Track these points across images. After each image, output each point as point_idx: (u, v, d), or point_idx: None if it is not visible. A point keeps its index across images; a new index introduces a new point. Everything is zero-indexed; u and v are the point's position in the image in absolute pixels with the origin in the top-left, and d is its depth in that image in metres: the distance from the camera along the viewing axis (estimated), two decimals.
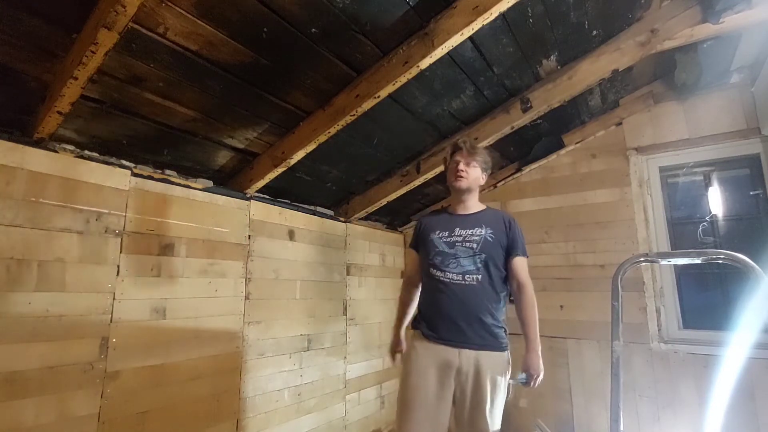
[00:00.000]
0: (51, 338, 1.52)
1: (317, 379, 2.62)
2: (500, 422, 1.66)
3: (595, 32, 1.99)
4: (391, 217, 3.45)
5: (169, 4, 1.28)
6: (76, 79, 1.29)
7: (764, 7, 1.73)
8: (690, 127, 2.60)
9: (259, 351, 2.28)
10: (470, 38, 1.67)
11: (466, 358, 1.65)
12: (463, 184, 1.78)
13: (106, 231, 1.71)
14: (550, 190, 3.03)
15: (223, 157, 2.10)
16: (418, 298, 1.91)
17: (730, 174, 2.59)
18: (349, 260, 3.02)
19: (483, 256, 1.72)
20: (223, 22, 1.39)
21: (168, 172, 1.99)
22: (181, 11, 1.31)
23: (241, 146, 2.06)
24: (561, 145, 2.96)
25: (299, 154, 2.02)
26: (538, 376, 1.66)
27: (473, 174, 1.80)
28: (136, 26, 1.30)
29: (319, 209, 2.88)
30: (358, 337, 3.00)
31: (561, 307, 2.85)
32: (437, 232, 1.80)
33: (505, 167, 3.18)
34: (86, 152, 1.71)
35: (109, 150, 1.77)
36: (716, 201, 2.58)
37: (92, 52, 1.20)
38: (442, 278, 1.73)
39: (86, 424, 1.58)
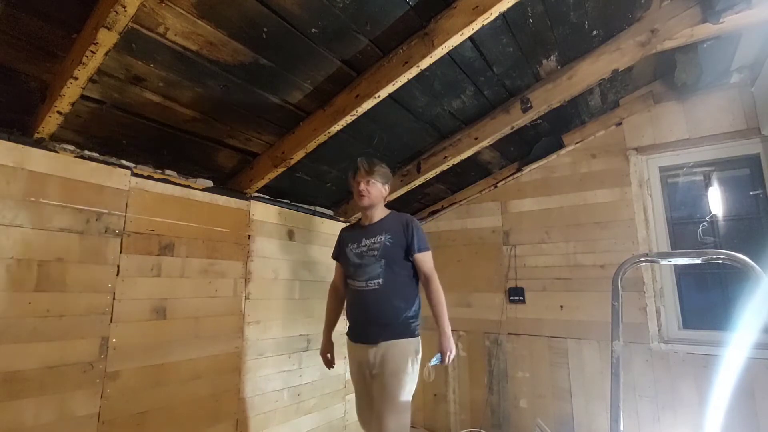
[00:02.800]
0: (51, 338, 1.52)
1: (317, 379, 2.63)
2: (408, 413, 1.87)
3: (595, 32, 1.99)
4: None
5: (169, 4, 1.28)
6: (76, 79, 1.29)
7: (764, 7, 1.73)
8: (690, 127, 2.60)
9: (259, 351, 2.28)
10: (470, 38, 1.67)
11: (373, 354, 1.89)
12: (365, 202, 2.00)
13: (106, 231, 1.71)
14: (550, 190, 3.03)
15: (223, 157, 2.10)
16: (343, 304, 2.15)
17: (730, 174, 2.59)
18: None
19: (383, 261, 1.93)
20: (223, 22, 1.39)
21: (168, 172, 1.99)
22: (181, 11, 1.31)
23: (241, 146, 2.06)
24: (561, 145, 2.96)
25: (299, 154, 2.02)
26: (450, 353, 1.89)
27: (374, 191, 2.00)
28: (136, 26, 1.30)
29: (319, 209, 2.88)
30: None
31: (561, 307, 2.85)
32: (350, 245, 2.04)
33: (505, 167, 3.18)
34: (86, 152, 1.71)
35: (109, 150, 1.77)
36: (716, 201, 2.58)
37: (92, 52, 1.20)
38: (354, 287, 2.00)
39: (86, 424, 1.58)
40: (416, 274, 2.00)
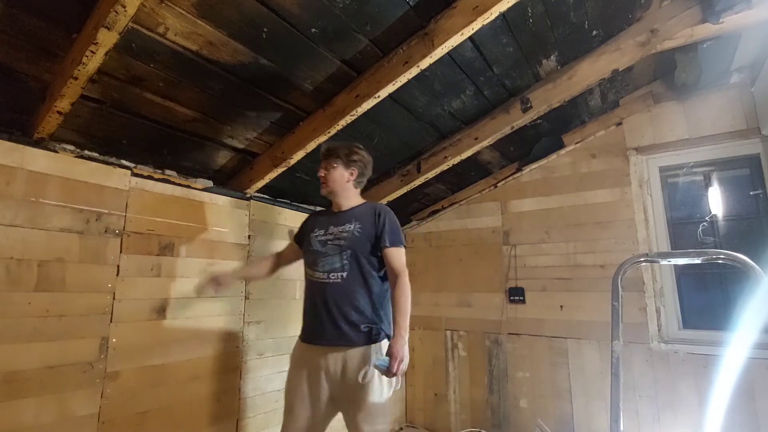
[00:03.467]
0: (51, 338, 1.52)
1: None
2: (386, 419, 1.63)
3: (595, 32, 1.99)
4: None
5: (169, 4, 1.28)
6: (76, 79, 1.29)
7: (764, 7, 1.73)
8: (690, 127, 2.60)
9: (259, 351, 2.28)
10: (470, 38, 1.67)
11: (333, 359, 1.64)
12: (324, 190, 1.82)
13: (106, 231, 1.71)
14: (550, 190, 3.03)
15: (223, 157, 2.09)
16: (267, 269, 2.00)
17: (730, 174, 2.59)
18: None
19: (349, 252, 1.71)
20: (223, 22, 1.39)
21: (168, 172, 1.99)
22: (181, 11, 1.31)
23: (241, 146, 2.05)
24: (561, 145, 2.96)
25: (299, 154, 2.02)
26: (400, 361, 1.53)
27: (333, 175, 1.79)
28: (136, 26, 1.30)
29: (319, 209, 2.87)
30: None
31: (561, 307, 2.85)
32: (315, 231, 1.81)
33: (505, 167, 3.17)
34: (86, 152, 1.71)
35: (109, 150, 1.77)
36: (716, 201, 2.58)
37: (92, 52, 1.20)
38: (312, 277, 1.76)
39: (86, 424, 1.58)
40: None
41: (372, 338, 1.66)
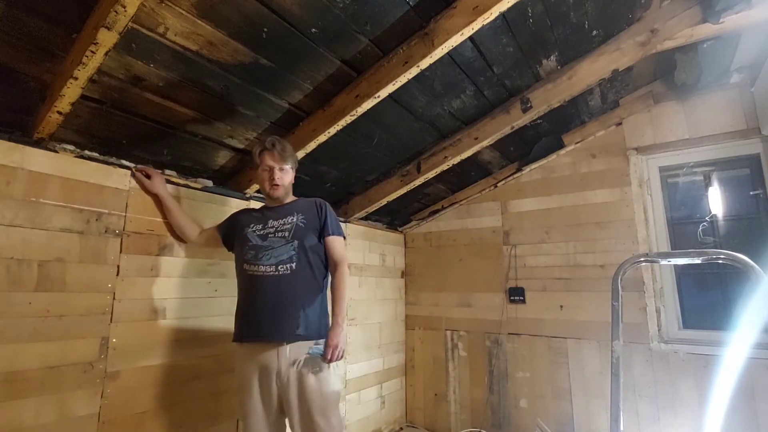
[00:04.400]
0: (51, 338, 1.52)
1: None
2: (339, 417, 1.61)
3: (595, 32, 1.99)
4: (391, 217, 3.45)
5: (169, 4, 1.28)
6: (76, 79, 1.28)
7: (764, 7, 1.73)
8: (690, 127, 2.60)
9: None
10: (470, 38, 1.67)
11: (284, 357, 1.58)
12: (279, 192, 1.78)
13: (106, 231, 1.71)
14: (550, 190, 3.03)
15: (223, 157, 2.10)
16: (194, 232, 1.90)
17: (730, 174, 2.59)
18: (350, 260, 3.02)
19: (296, 242, 1.69)
20: (223, 22, 1.39)
21: (168, 172, 1.99)
22: (181, 11, 1.31)
23: (241, 146, 2.05)
24: (561, 145, 2.96)
25: (299, 154, 2.02)
26: (335, 347, 1.59)
27: (287, 179, 1.80)
28: (136, 26, 1.30)
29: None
30: (358, 337, 3.00)
31: (561, 307, 2.85)
32: (251, 226, 1.76)
33: (505, 167, 3.18)
34: (86, 152, 1.71)
35: (109, 150, 1.77)
36: (716, 201, 2.58)
37: (92, 52, 1.20)
38: (255, 272, 1.67)
39: (86, 424, 1.58)
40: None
41: (325, 330, 1.66)
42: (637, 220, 2.67)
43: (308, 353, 1.59)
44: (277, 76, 1.68)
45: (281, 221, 1.75)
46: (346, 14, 1.48)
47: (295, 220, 1.74)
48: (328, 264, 1.77)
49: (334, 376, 1.63)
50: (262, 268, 1.66)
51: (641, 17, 1.97)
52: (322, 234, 1.76)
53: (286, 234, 1.71)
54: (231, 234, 1.84)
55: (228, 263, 2.16)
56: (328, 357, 1.58)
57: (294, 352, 1.59)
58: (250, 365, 1.63)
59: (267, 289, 1.64)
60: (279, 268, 1.66)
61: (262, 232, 1.73)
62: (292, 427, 1.59)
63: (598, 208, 2.82)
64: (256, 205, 2.35)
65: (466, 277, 3.30)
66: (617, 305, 1.51)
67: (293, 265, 1.66)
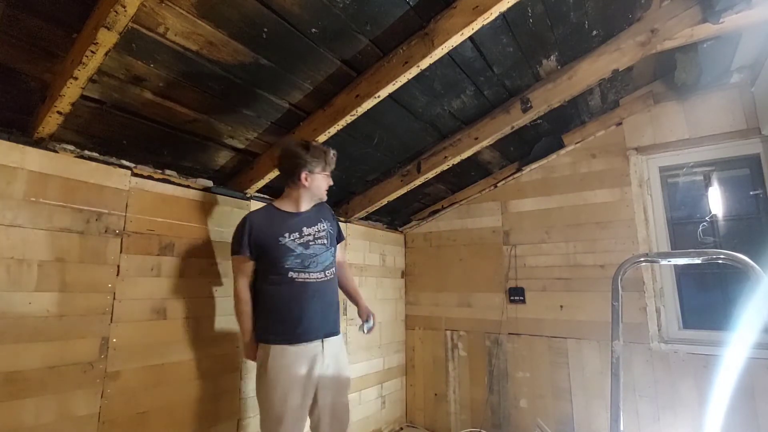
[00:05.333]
0: (51, 338, 1.52)
1: None
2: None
3: (595, 32, 1.99)
4: (391, 217, 3.45)
5: (169, 4, 1.28)
6: (76, 79, 1.29)
7: (764, 7, 1.73)
8: (690, 127, 2.60)
9: None
10: (470, 38, 1.67)
11: (329, 349, 1.79)
12: (325, 196, 1.93)
13: (106, 231, 1.71)
14: (550, 190, 3.03)
15: (223, 157, 2.09)
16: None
17: (730, 174, 2.59)
18: (349, 260, 3.02)
19: (332, 249, 1.90)
20: (223, 22, 1.39)
21: (168, 172, 1.99)
22: (181, 11, 1.31)
23: (241, 146, 2.05)
24: (561, 145, 2.96)
25: None
26: (374, 316, 1.99)
27: None
28: (136, 26, 1.30)
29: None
30: (358, 337, 3.00)
31: (561, 307, 2.85)
32: (287, 236, 1.77)
33: (505, 167, 3.18)
34: (86, 152, 1.71)
35: (109, 150, 1.77)
36: (716, 201, 2.58)
37: (92, 52, 1.20)
38: (306, 279, 1.76)
39: (86, 424, 1.58)
40: None
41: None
42: (637, 220, 2.67)
43: (364, 330, 1.96)
44: (278, 76, 1.68)
45: (314, 228, 1.85)
46: (346, 14, 1.48)
47: (326, 227, 1.89)
48: (337, 263, 1.98)
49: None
50: (314, 275, 1.79)
51: (641, 17, 1.97)
52: (338, 239, 1.99)
53: (325, 241, 1.86)
54: (253, 247, 1.78)
55: (229, 263, 2.16)
56: (373, 324, 1.98)
57: (335, 343, 1.84)
58: (302, 362, 1.72)
59: (319, 293, 1.79)
60: (326, 273, 1.83)
61: (301, 240, 1.80)
62: (322, 407, 1.76)
63: (598, 208, 2.82)
64: (256, 204, 2.35)
65: (466, 277, 3.30)
66: (617, 305, 1.51)
67: (333, 269, 1.89)
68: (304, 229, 1.82)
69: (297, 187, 1.84)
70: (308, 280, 1.77)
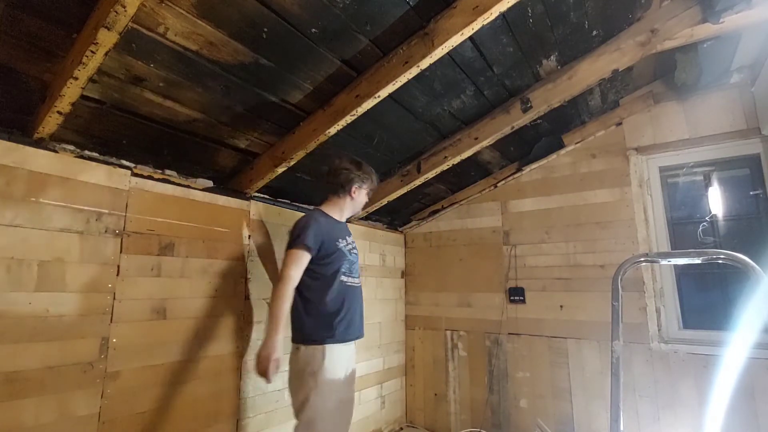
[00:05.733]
0: (51, 338, 1.52)
1: None
2: None
3: (595, 32, 1.99)
4: (391, 217, 3.45)
5: (169, 4, 1.28)
6: (76, 79, 1.29)
7: (764, 7, 1.73)
8: (690, 127, 2.60)
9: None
10: (470, 38, 1.67)
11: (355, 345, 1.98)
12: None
13: (106, 231, 1.71)
14: (550, 190, 3.03)
15: (223, 157, 2.09)
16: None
17: (730, 174, 2.59)
18: None
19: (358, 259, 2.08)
20: (223, 22, 1.39)
21: (168, 172, 1.99)
22: (181, 11, 1.31)
23: (241, 146, 2.05)
24: (561, 145, 2.96)
25: (299, 154, 2.02)
26: None
27: None
28: (136, 26, 1.30)
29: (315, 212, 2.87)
30: None
31: (561, 307, 2.85)
32: (340, 241, 1.95)
33: (505, 167, 3.18)
34: (86, 152, 1.71)
35: (109, 150, 1.77)
36: (716, 201, 2.58)
37: (92, 52, 1.20)
38: (353, 284, 1.96)
39: (86, 424, 1.58)
40: None
41: None
42: (637, 220, 2.67)
43: None
44: (278, 76, 1.68)
45: (350, 239, 2.05)
46: (346, 14, 1.48)
47: (352, 239, 2.07)
48: None
49: None
50: (356, 281, 2.00)
51: (641, 17, 1.97)
52: None
53: (356, 252, 2.05)
54: (322, 245, 1.86)
55: (228, 263, 2.16)
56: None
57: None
58: (352, 358, 1.93)
59: (358, 297, 1.99)
60: (360, 279, 2.03)
61: (348, 248, 1.98)
62: None
63: (598, 208, 2.82)
64: (256, 204, 2.35)
65: (466, 277, 3.30)
66: (617, 305, 1.51)
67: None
68: (347, 237, 2.02)
69: (344, 198, 2.03)
70: (354, 285, 1.96)
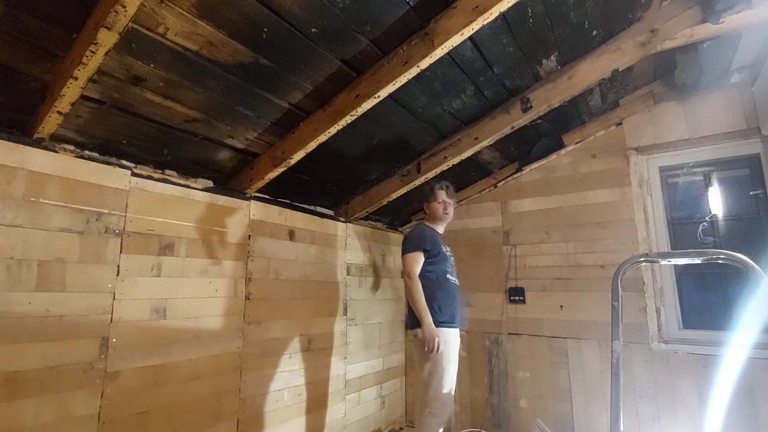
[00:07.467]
0: (51, 338, 1.52)
1: (317, 379, 2.62)
2: None
3: (595, 32, 1.99)
4: (391, 217, 3.45)
5: (169, 4, 1.28)
6: (76, 79, 1.28)
7: (764, 7, 1.73)
8: (690, 127, 2.60)
9: (260, 351, 2.28)
10: (470, 38, 1.67)
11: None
12: (449, 219, 2.54)
13: (106, 231, 1.71)
14: (550, 190, 3.03)
15: (223, 157, 2.10)
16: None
17: (730, 174, 2.59)
18: (349, 260, 3.02)
19: None
20: (223, 22, 1.39)
21: (168, 172, 1.99)
22: (181, 11, 1.31)
23: (241, 146, 2.05)
24: (561, 145, 2.96)
25: (299, 154, 2.02)
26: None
27: (452, 213, 2.54)
28: (136, 26, 1.30)
29: (319, 209, 2.88)
30: (358, 337, 3.00)
31: (561, 307, 2.85)
32: (444, 248, 2.47)
33: (505, 167, 3.17)
34: (86, 152, 1.71)
35: (109, 150, 1.77)
36: (716, 201, 2.58)
37: (92, 52, 1.20)
38: (455, 283, 2.46)
39: (86, 424, 1.58)
40: None
41: None
42: (637, 220, 2.67)
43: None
44: (278, 76, 1.68)
45: (449, 247, 2.55)
46: (346, 14, 1.48)
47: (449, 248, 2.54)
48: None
49: None
50: (455, 280, 2.47)
51: (641, 17, 1.97)
52: None
53: (453, 259, 2.53)
54: (432, 250, 2.38)
55: (228, 263, 2.17)
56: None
57: None
58: (457, 341, 2.36)
59: (456, 292, 2.43)
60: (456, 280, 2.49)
61: (449, 254, 2.51)
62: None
63: (598, 208, 2.82)
64: (256, 204, 2.36)
65: (466, 277, 3.28)
66: (617, 305, 1.51)
67: None
68: (447, 246, 2.52)
69: (427, 213, 2.58)
70: (456, 284, 2.45)
